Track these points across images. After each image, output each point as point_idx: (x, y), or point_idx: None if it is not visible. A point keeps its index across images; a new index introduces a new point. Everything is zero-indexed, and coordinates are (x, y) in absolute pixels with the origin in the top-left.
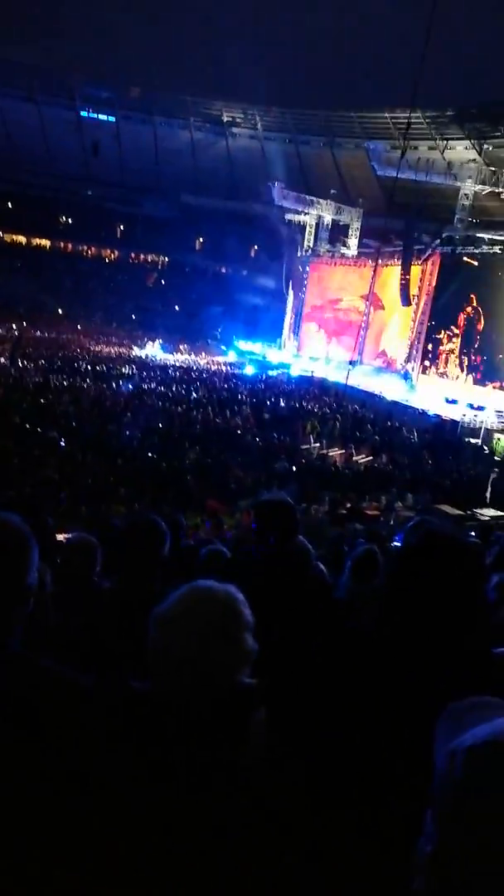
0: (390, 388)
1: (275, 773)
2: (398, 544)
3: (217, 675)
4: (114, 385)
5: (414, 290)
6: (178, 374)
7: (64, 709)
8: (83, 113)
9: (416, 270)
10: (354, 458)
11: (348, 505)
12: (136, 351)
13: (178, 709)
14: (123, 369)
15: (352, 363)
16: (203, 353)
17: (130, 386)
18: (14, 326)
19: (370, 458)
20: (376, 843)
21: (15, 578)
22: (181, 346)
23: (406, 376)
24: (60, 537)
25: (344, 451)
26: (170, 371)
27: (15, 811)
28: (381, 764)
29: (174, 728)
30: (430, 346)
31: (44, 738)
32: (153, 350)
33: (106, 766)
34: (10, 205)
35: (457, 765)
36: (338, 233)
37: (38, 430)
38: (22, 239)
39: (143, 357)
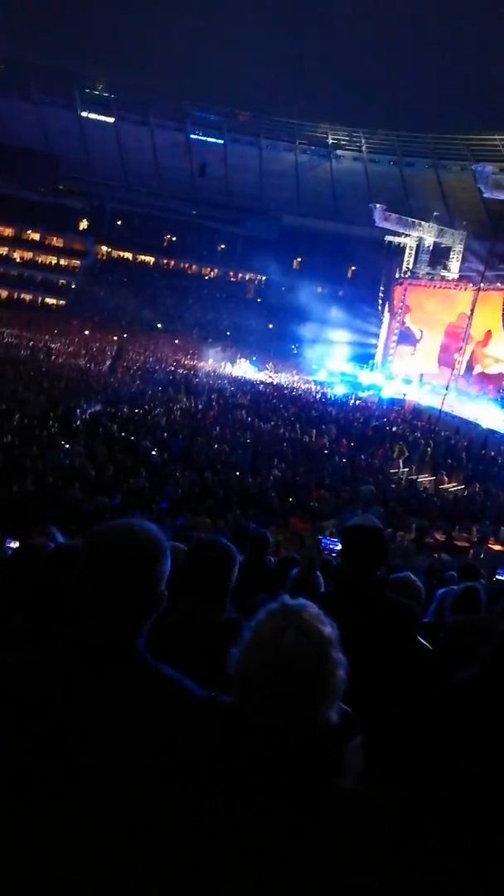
0: (487, 416)
1: (370, 803)
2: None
3: (310, 705)
4: (204, 399)
5: None
6: (268, 391)
7: (179, 714)
8: (192, 135)
9: None
10: (444, 486)
11: (436, 534)
12: (228, 368)
13: (274, 735)
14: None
15: (447, 387)
16: (294, 372)
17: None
18: (116, 339)
19: (462, 486)
20: (473, 887)
21: (150, 585)
22: (270, 364)
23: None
24: None
25: (434, 477)
26: (260, 388)
27: (115, 809)
28: (481, 807)
29: (270, 752)
30: None
31: (158, 743)
32: (244, 367)
33: (211, 778)
34: (119, 223)
35: None
36: (439, 255)
37: (132, 439)
38: (129, 255)
39: (234, 374)
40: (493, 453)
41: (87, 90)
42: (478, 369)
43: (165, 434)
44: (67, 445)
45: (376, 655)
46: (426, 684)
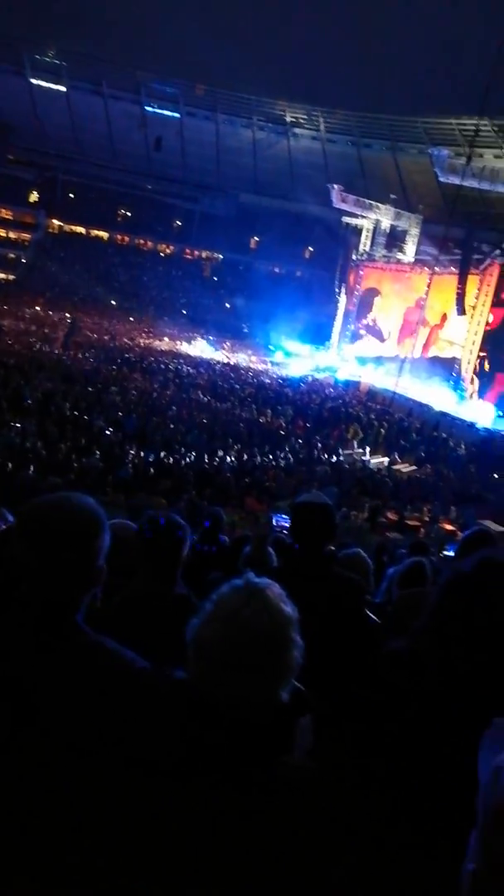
0: (440, 399)
1: (319, 781)
2: (449, 554)
3: (264, 681)
4: (160, 379)
5: (470, 301)
6: (224, 371)
7: (121, 688)
8: (148, 108)
9: (473, 280)
10: (397, 467)
11: (389, 514)
12: (184, 347)
13: (225, 709)
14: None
15: (400, 369)
16: (250, 352)
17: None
18: (68, 315)
19: (414, 467)
20: (423, 860)
21: (87, 559)
22: (227, 344)
23: (457, 383)
24: None
25: (387, 458)
26: (217, 368)
27: (63, 782)
28: (425, 778)
29: (220, 728)
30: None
31: (99, 715)
32: (201, 347)
33: (155, 751)
34: (72, 195)
35: (501, 782)
36: (395, 238)
37: (86, 418)
38: (82, 230)
39: (191, 353)
40: (444, 435)
41: (38, 56)
42: (433, 351)
43: (120, 413)
44: (18, 425)
45: (324, 630)
46: (373, 658)
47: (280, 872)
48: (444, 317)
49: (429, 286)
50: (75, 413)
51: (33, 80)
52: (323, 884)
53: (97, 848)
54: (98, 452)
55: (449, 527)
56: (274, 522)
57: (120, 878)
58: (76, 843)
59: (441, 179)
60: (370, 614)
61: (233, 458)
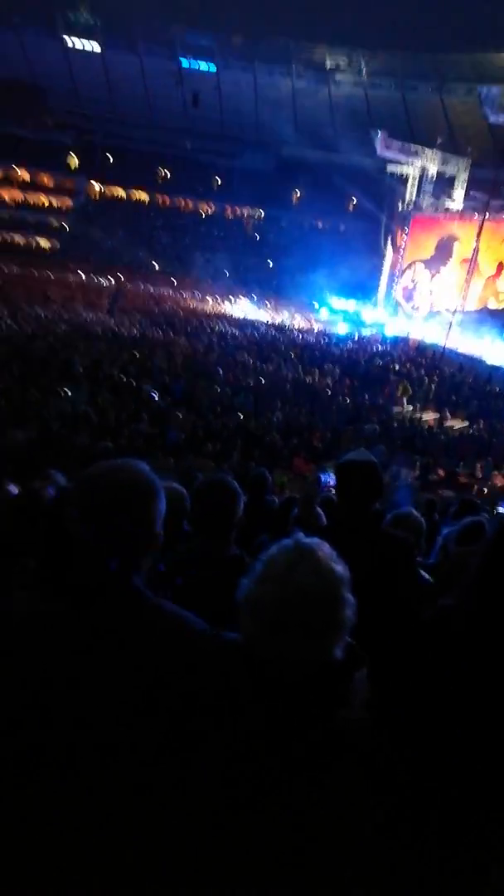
0: (492, 352)
1: (376, 733)
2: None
3: (317, 641)
4: (205, 341)
5: None
6: (269, 331)
7: (182, 649)
8: (184, 62)
9: None
10: (448, 424)
11: (440, 472)
12: (227, 307)
13: (279, 668)
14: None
15: (450, 323)
16: (293, 310)
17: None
18: (112, 280)
19: (465, 423)
20: (474, 813)
21: (145, 525)
22: (270, 303)
23: None
24: None
25: (437, 415)
26: (261, 329)
27: (122, 742)
28: (477, 734)
29: (277, 683)
30: None
31: (162, 676)
32: (245, 307)
33: (214, 711)
34: (110, 158)
35: None
36: (443, 185)
37: (134, 383)
38: (122, 193)
39: (234, 315)
40: (497, 389)
41: (70, 15)
42: (492, 303)
43: (167, 378)
44: (69, 392)
45: (375, 588)
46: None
47: (339, 822)
48: (501, 266)
49: (479, 234)
50: (122, 378)
51: (67, 41)
52: (378, 832)
53: (162, 808)
54: (147, 417)
55: (502, 483)
56: (322, 481)
57: (186, 833)
58: (146, 803)
59: (490, 120)
60: (422, 573)
61: (279, 419)
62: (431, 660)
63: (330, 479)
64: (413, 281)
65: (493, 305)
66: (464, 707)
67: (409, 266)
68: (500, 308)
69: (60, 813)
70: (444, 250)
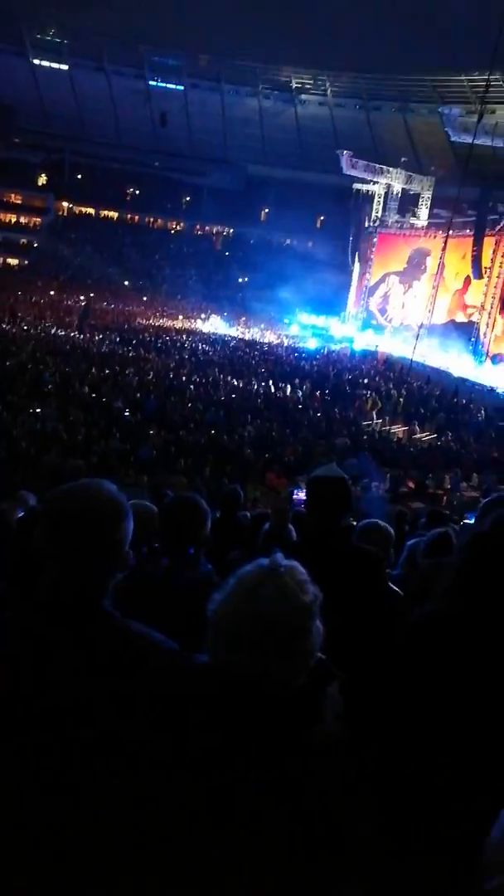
0: (458, 365)
1: (349, 750)
2: (469, 522)
3: (278, 663)
4: (176, 358)
5: (486, 263)
6: (240, 347)
7: (151, 669)
8: (151, 82)
9: (489, 242)
10: (417, 436)
11: (410, 483)
12: (198, 324)
13: (250, 685)
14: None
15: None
16: (264, 326)
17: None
18: (82, 298)
19: (434, 435)
20: (452, 828)
21: (112, 546)
22: (241, 319)
23: (476, 347)
24: None
25: (407, 427)
26: (231, 345)
27: (94, 762)
28: (456, 743)
29: (247, 704)
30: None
31: (131, 696)
32: (215, 323)
33: (187, 729)
34: (79, 176)
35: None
36: (408, 203)
37: (104, 400)
38: (91, 211)
39: (205, 331)
40: (464, 401)
41: (38, 35)
42: (459, 317)
43: (138, 394)
44: (38, 409)
45: (345, 603)
46: (397, 628)
47: (315, 835)
48: (468, 280)
49: (443, 250)
50: (93, 395)
51: (35, 61)
52: (353, 841)
53: (137, 828)
54: (118, 434)
55: (472, 494)
56: (295, 496)
57: (160, 853)
58: (117, 826)
59: (453, 139)
60: (392, 586)
61: (251, 434)
62: (422, 664)
63: (302, 493)
64: (386, 294)
65: (460, 319)
66: (460, 707)
67: (383, 279)
68: (467, 321)
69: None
70: (417, 264)
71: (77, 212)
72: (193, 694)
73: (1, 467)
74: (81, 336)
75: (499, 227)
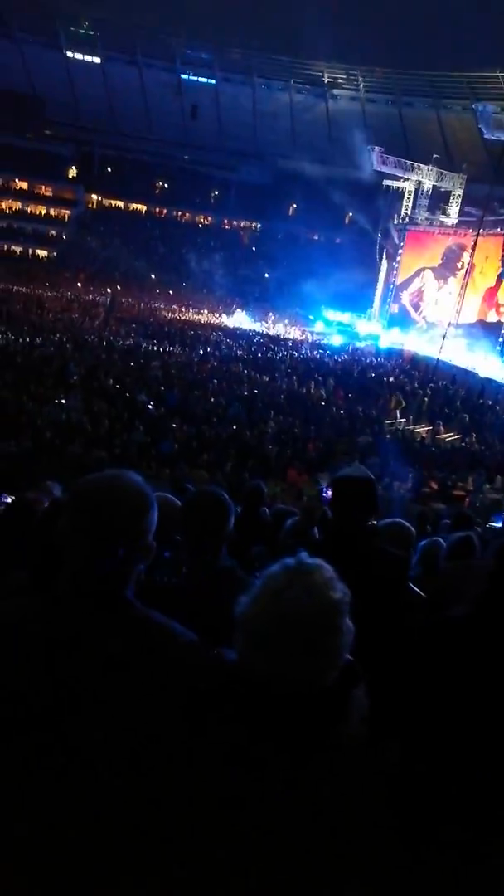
0: (484, 365)
1: (375, 750)
2: (496, 525)
3: (306, 663)
4: (200, 352)
5: None
6: (264, 343)
7: (171, 660)
8: (183, 76)
9: None
10: (441, 436)
11: (433, 484)
12: (223, 318)
13: (273, 684)
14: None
15: (444, 335)
16: (289, 322)
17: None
18: (109, 291)
19: (458, 436)
20: (474, 830)
21: (137, 537)
22: (267, 315)
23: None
24: None
25: (430, 427)
26: (256, 340)
27: (100, 748)
28: (479, 745)
29: (265, 699)
30: None
31: (151, 687)
32: (240, 318)
33: (204, 724)
34: (108, 169)
35: None
36: (438, 200)
37: (128, 393)
38: (120, 204)
39: (230, 326)
40: (489, 402)
41: (72, 28)
42: (491, 316)
43: (162, 387)
44: (63, 400)
45: (367, 604)
46: (419, 629)
47: (329, 836)
48: (500, 280)
49: (473, 248)
50: (118, 388)
51: (68, 54)
52: (365, 844)
53: (139, 827)
54: (141, 426)
55: (494, 496)
56: (324, 494)
57: (160, 853)
58: (119, 822)
59: (486, 136)
60: (415, 588)
61: (273, 429)
62: (453, 668)
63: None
64: (420, 289)
65: (491, 318)
66: (488, 711)
67: (418, 273)
68: (495, 321)
69: (28, 814)
70: (453, 259)
71: (106, 204)
72: (214, 687)
73: (25, 457)
74: (107, 328)
75: None
